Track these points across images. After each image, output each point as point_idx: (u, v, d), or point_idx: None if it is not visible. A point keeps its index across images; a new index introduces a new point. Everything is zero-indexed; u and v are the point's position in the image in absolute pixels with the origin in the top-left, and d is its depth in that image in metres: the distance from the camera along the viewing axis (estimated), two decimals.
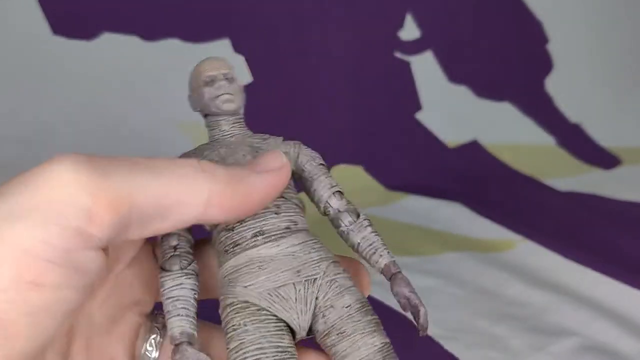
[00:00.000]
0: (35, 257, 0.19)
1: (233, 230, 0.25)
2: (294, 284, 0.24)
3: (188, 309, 0.24)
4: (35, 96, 0.81)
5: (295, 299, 0.24)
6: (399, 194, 0.90)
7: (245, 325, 0.23)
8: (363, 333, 0.24)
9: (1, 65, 0.80)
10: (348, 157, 0.95)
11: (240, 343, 0.23)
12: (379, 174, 0.94)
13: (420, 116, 1.05)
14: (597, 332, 0.56)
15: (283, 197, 0.25)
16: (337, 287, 0.24)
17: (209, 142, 0.28)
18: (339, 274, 0.24)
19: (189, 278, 0.25)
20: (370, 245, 0.26)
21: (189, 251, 0.26)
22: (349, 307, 0.24)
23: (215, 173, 0.23)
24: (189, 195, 0.22)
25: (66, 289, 0.20)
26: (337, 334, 0.24)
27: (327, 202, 0.26)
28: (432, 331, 0.56)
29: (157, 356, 0.27)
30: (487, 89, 1.12)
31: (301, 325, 0.24)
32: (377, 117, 1.01)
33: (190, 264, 0.25)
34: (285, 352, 0.23)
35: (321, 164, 0.27)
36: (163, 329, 0.28)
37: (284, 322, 0.24)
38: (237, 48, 0.93)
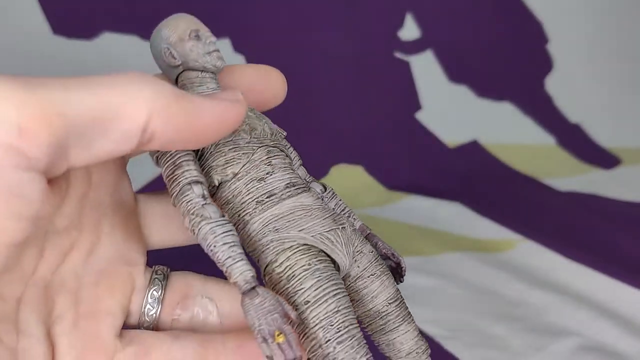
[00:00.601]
0: None
1: (265, 181, 0.25)
2: (336, 229, 0.25)
3: (244, 254, 0.23)
4: None
5: (342, 243, 0.25)
6: (399, 194, 0.90)
7: (315, 264, 0.23)
8: (387, 274, 0.26)
9: (1, 66, 0.80)
10: (348, 157, 0.95)
11: (318, 280, 0.23)
12: (379, 174, 0.94)
13: (420, 116, 1.05)
14: (597, 332, 0.56)
15: (288, 157, 0.27)
16: (359, 235, 0.26)
17: None
18: (355, 221, 0.27)
19: (230, 223, 0.24)
20: (344, 210, 0.28)
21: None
22: (373, 253, 0.26)
23: (160, 85, 0.21)
24: (130, 105, 0.20)
25: (4, 217, 0.18)
26: (369, 276, 0.26)
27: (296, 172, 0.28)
28: (432, 331, 0.56)
29: (158, 310, 0.26)
30: (487, 89, 1.12)
31: (346, 268, 0.25)
32: (377, 117, 1.01)
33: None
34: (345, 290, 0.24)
35: (285, 136, 0.28)
36: (164, 280, 0.27)
37: (336, 263, 0.25)
38: (237, 48, 0.93)
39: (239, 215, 0.25)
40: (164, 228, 0.28)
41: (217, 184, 0.25)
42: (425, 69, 1.07)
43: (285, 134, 0.28)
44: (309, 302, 0.23)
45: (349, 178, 0.89)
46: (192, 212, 0.23)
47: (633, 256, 0.70)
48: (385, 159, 0.97)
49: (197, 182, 0.24)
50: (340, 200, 0.28)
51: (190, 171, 0.24)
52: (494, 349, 0.54)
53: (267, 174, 0.25)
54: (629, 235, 0.75)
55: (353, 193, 0.87)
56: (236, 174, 0.25)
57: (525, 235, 0.76)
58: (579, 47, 1.22)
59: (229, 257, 0.23)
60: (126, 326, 0.26)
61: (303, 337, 0.23)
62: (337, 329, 0.23)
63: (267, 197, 0.25)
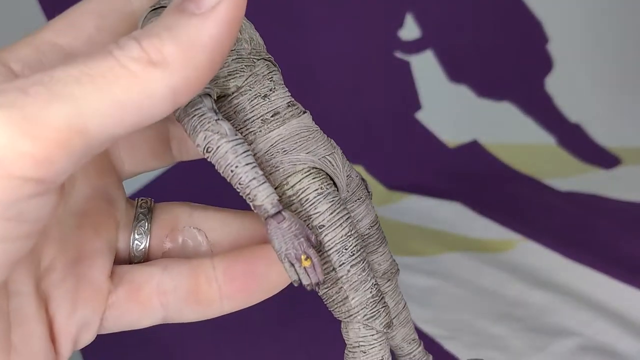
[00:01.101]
0: None
1: (269, 98, 0.23)
2: (334, 153, 0.24)
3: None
4: None
5: (341, 166, 0.24)
6: (399, 193, 0.90)
7: (327, 188, 0.23)
8: (370, 199, 0.26)
9: None
10: (348, 157, 0.95)
11: (332, 204, 0.23)
12: (380, 174, 0.94)
13: (420, 116, 1.05)
14: (597, 332, 0.56)
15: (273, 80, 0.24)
16: (345, 158, 0.25)
17: None
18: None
19: (246, 143, 0.22)
20: None
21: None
22: (358, 177, 0.26)
23: (167, 59, 0.18)
24: (149, 99, 0.18)
25: (11, 241, 0.18)
26: (356, 200, 0.25)
27: None
28: (432, 331, 0.56)
29: (147, 245, 0.25)
30: (487, 88, 1.12)
31: (342, 192, 0.25)
32: (377, 117, 1.01)
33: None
34: None
35: None
36: (149, 214, 0.26)
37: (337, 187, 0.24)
38: None
39: (242, 134, 0.23)
40: (134, 154, 0.26)
41: (215, 97, 0.23)
42: (425, 69, 1.07)
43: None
44: (323, 226, 0.22)
45: None
46: (206, 128, 0.21)
47: (633, 256, 0.70)
48: (385, 159, 0.97)
49: (207, 94, 0.22)
50: None
51: None
52: (494, 349, 0.54)
53: (270, 90, 0.24)
54: (629, 235, 0.75)
55: None
56: (239, 88, 0.23)
57: (525, 235, 0.76)
58: (579, 47, 1.22)
59: (254, 178, 0.21)
60: (117, 262, 0.25)
61: None
62: (351, 252, 0.23)
63: (271, 116, 0.23)
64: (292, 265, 0.21)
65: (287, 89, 0.24)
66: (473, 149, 1.05)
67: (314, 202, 0.23)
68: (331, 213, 0.23)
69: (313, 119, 0.26)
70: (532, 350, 0.54)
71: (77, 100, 0.17)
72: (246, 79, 0.23)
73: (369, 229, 0.26)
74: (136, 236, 0.25)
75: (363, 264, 0.23)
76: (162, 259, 0.25)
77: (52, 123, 0.16)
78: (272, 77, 0.24)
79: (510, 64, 1.16)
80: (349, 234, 0.23)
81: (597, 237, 0.75)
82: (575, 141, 1.12)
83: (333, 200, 0.23)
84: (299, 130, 0.24)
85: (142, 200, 0.26)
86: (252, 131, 0.23)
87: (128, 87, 0.18)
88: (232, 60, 0.23)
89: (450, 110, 1.07)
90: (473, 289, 0.65)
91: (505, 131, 1.09)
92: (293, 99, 0.24)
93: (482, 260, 0.71)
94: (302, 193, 0.23)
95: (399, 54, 1.06)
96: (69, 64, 0.17)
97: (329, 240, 0.23)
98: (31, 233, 0.18)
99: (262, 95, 0.23)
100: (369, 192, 0.26)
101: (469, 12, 1.13)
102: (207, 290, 0.24)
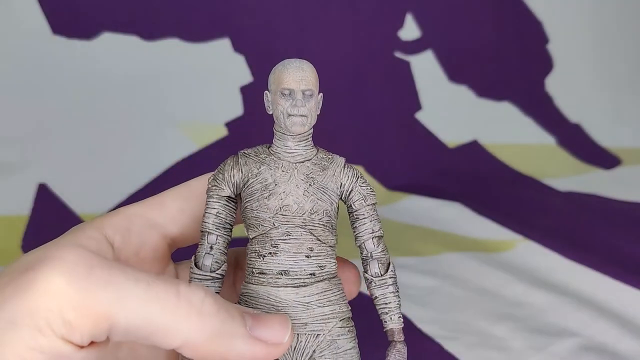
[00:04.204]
0: None
1: (263, 259, 0.27)
2: (297, 334, 0.26)
3: None
4: (35, 96, 0.81)
5: (294, 348, 0.26)
6: (399, 194, 0.90)
7: None
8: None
9: (1, 65, 0.80)
10: (348, 157, 0.95)
11: None
12: (380, 174, 0.94)
13: (420, 116, 1.05)
14: (597, 332, 0.56)
15: (319, 240, 0.27)
16: (335, 347, 0.27)
17: (270, 150, 0.28)
18: (342, 335, 0.27)
19: (215, 282, 0.27)
20: (386, 304, 0.28)
21: (223, 252, 0.28)
22: None
23: (202, 314, 0.23)
24: (167, 330, 0.23)
25: None
26: None
27: (363, 243, 0.29)
28: (432, 331, 0.56)
29: None
30: (487, 89, 1.12)
31: None
32: (377, 117, 1.01)
33: (220, 267, 0.27)
34: None
35: (372, 204, 0.29)
36: None
37: None
38: (237, 48, 0.93)
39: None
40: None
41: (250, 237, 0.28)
42: (425, 69, 1.07)
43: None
44: None
45: None
46: (194, 256, 0.28)
47: (633, 256, 0.70)
48: (385, 159, 0.97)
49: (214, 232, 0.28)
50: (392, 292, 0.28)
51: (208, 218, 0.28)
52: (494, 349, 0.54)
53: (269, 253, 0.27)
54: (629, 235, 0.75)
55: None
56: (251, 239, 0.28)
57: (525, 235, 0.76)
58: (579, 47, 1.22)
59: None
60: None
61: None
62: None
63: (258, 274, 0.27)
64: None
65: (292, 259, 0.27)
66: (473, 149, 1.05)
67: None
68: None
69: None
70: (532, 351, 0.54)
71: (117, 299, 0.22)
72: (255, 237, 0.28)
73: None
74: None
75: None
76: None
77: (93, 307, 0.22)
78: (278, 244, 0.27)
79: (510, 64, 1.16)
80: None
81: (597, 237, 0.75)
82: (575, 141, 1.12)
83: None
84: (265, 298, 0.27)
85: None
86: (246, 273, 0.28)
87: (166, 312, 0.22)
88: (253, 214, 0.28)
89: (450, 110, 1.07)
90: (473, 289, 0.65)
91: (505, 131, 1.09)
92: (291, 270, 0.27)
93: (482, 260, 0.71)
94: None
95: (399, 54, 1.06)
96: (139, 274, 0.23)
97: None
98: None
99: (261, 254, 0.27)
100: None
101: (469, 12, 1.13)
102: None
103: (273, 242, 0.27)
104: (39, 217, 0.73)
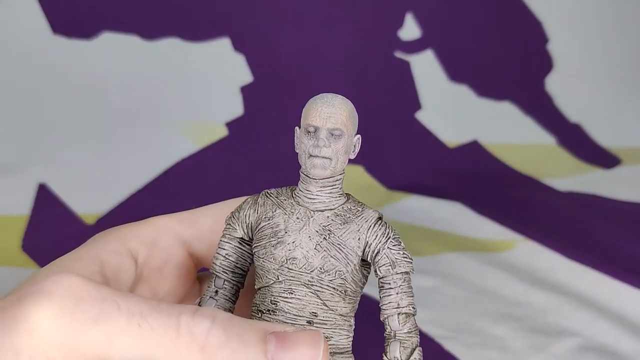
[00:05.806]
0: None
1: (261, 315, 0.25)
2: None
3: None
4: (35, 96, 0.81)
5: None
6: (399, 194, 0.90)
7: None
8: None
9: (1, 65, 0.80)
10: None
11: None
12: (380, 174, 0.94)
13: (420, 116, 1.05)
14: (597, 332, 0.56)
15: (325, 305, 0.24)
16: None
17: (293, 192, 0.26)
18: None
19: None
20: None
21: (229, 298, 0.26)
22: None
23: (206, 348, 0.21)
24: None
25: None
26: None
27: (387, 318, 0.25)
28: (432, 331, 0.56)
29: None
30: (487, 88, 1.12)
31: None
32: (377, 117, 1.01)
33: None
34: None
35: (402, 272, 0.25)
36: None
37: None
38: (237, 48, 0.93)
39: None
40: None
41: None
42: (425, 69, 1.07)
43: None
44: None
45: (349, 178, 0.89)
46: (199, 298, 0.26)
47: (633, 256, 0.70)
48: (385, 159, 0.97)
49: (222, 277, 0.26)
50: None
51: (217, 259, 0.26)
52: (494, 349, 0.54)
53: (267, 310, 0.25)
54: (629, 235, 0.75)
55: (353, 193, 0.87)
56: (256, 290, 0.26)
57: (525, 235, 0.76)
58: (579, 47, 1.22)
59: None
60: None
61: None
62: None
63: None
64: None
65: (291, 324, 0.25)
66: (473, 149, 1.05)
67: None
68: None
69: None
70: (532, 350, 0.54)
71: (109, 339, 0.21)
72: (259, 289, 0.26)
73: None
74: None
75: None
76: None
77: (83, 348, 0.21)
78: (277, 301, 0.25)
79: (510, 64, 1.16)
80: None
81: (597, 237, 0.75)
82: (575, 141, 1.12)
83: None
84: None
85: None
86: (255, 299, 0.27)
87: (164, 349, 0.21)
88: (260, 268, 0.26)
89: (450, 110, 1.07)
90: (473, 289, 0.65)
91: (505, 131, 1.09)
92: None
93: (482, 260, 0.71)
94: None
95: (399, 54, 1.06)
96: (135, 307, 0.21)
97: None
98: None
99: (260, 309, 0.26)
100: None
101: (469, 12, 1.13)
102: None
103: (273, 299, 0.24)
104: (39, 217, 0.72)
